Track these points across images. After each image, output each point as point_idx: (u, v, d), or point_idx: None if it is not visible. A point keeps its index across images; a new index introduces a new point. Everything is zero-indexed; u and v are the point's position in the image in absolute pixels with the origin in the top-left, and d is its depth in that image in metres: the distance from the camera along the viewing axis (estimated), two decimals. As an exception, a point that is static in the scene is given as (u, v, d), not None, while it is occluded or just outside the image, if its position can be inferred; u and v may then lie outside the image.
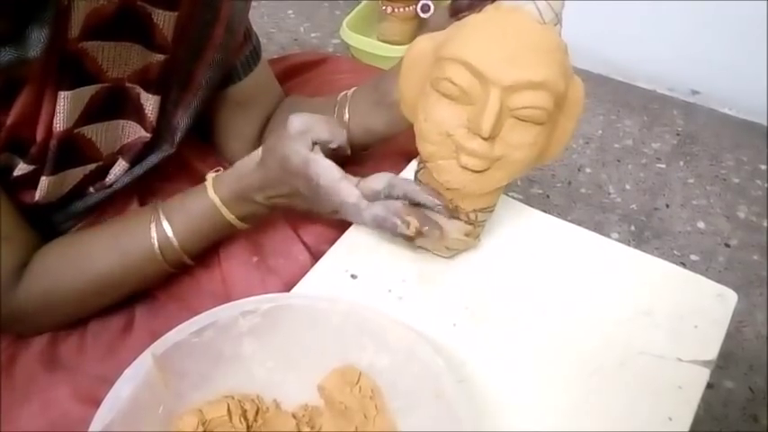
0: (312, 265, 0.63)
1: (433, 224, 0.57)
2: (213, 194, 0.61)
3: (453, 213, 0.59)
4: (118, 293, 0.64)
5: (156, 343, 0.48)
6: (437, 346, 0.53)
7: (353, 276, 0.62)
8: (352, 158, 0.70)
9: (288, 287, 0.62)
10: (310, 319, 0.53)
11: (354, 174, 0.59)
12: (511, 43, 0.51)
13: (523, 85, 0.50)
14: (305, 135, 0.57)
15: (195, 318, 0.50)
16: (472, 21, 0.53)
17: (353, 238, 0.66)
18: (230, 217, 0.61)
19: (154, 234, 0.61)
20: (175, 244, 0.61)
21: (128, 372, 0.47)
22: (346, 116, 0.68)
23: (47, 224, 0.66)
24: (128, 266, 0.62)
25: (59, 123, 0.58)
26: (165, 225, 0.61)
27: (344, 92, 0.70)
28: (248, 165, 0.60)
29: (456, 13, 0.55)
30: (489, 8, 0.53)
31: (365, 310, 0.53)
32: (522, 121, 0.52)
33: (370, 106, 0.67)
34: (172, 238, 0.61)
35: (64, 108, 0.58)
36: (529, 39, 0.51)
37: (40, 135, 0.58)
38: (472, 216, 0.59)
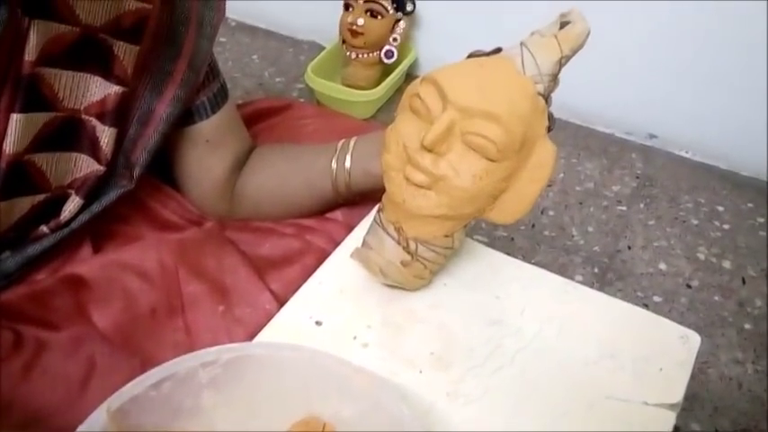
0: (278, 314, 0.62)
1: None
2: None
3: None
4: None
5: (111, 397, 0.46)
6: (403, 394, 0.53)
7: (318, 323, 0.61)
8: (351, 201, 0.75)
9: (254, 338, 0.61)
10: (273, 369, 0.51)
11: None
12: (480, 76, 0.54)
13: (477, 112, 0.53)
14: None
15: (153, 370, 0.48)
16: (464, 59, 0.57)
17: (319, 283, 0.65)
18: None
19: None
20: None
21: (81, 429, 0.45)
22: (348, 162, 0.70)
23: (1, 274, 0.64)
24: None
25: (9, 146, 0.57)
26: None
27: (345, 139, 0.72)
28: None
29: None
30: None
31: (329, 358, 0.52)
32: (473, 150, 0.54)
33: (376, 150, 0.69)
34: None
35: (15, 130, 0.57)
36: (499, 79, 0.54)
37: None
38: (412, 245, 0.60)
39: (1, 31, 0.52)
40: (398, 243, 0.60)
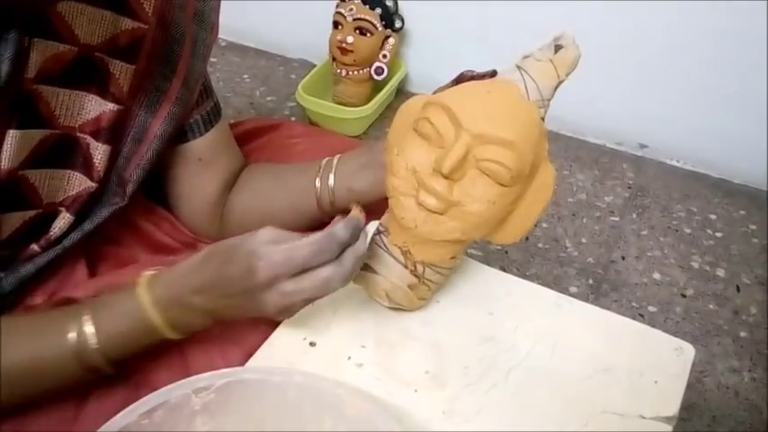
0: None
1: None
2: (144, 293, 0.56)
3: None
4: (30, 391, 0.57)
5: (103, 427, 0.46)
6: (399, 414, 0.52)
7: (312, 344, 0.61)
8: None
9: (249, 357, 0.60)
10: (266, 394, 0.51)
11: None
12: (491, 102, 0.54)
13: (492, 138, 0.53)
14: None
15: (145, 398, 0.48)
16: (467, 82, 0.58)
17: (312, 304, 0.64)
18: (158, 321, 0.55)
19: (73, 334, 0.55)
20: (94, 346, 0.55)
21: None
22: (331, 180, 0.70)
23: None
24: (40, 366, 0.55)
25: (4, 162, 0.58)
26: (88, 325, 0.55)
27: (329, 157, 0.72)
28: (188, 263, 0.57)
29: (457, 83, 0.60)
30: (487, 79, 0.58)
31: (322, 381, 0.51)
32: (486, 175, 0.54)
33: (358, 167, 0.69)
34: (92, 339, 0.55)
35: (11, 147, 0.57)
36: (510, 105, 0.55)
37: None
38: (419, 268, 0.60)
39: (14, 53, 0.53)
40: (406, 267, 0.60)
